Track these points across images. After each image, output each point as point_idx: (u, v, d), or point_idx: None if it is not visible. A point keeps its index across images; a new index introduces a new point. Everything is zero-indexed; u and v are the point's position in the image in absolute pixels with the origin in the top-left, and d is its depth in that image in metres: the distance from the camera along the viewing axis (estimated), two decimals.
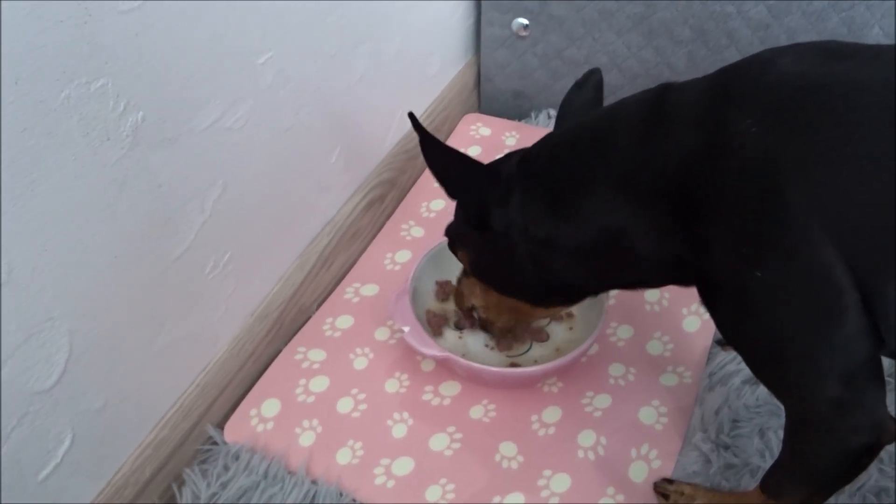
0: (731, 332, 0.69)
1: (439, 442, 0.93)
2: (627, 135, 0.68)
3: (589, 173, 0.71)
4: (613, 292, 1.08)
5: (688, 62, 1.28)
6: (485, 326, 0.99)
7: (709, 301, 0.69)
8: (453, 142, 1.39)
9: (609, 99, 1.42)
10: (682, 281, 0.74)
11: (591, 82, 0.86)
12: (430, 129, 1.35)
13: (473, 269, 0.89)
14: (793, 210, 0.57)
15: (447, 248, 1.06)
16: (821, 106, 0.58)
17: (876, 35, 1.13)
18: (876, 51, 0.61)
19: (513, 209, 0.76)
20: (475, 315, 0.98)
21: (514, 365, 0.99)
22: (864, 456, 0.63)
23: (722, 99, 0.63)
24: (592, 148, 0.71)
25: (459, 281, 0.96)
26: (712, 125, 0.62)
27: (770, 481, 0.74)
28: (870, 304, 0.58)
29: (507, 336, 1.00)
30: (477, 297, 0.93)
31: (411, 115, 0.79)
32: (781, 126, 0.59)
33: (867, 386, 0.60)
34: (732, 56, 1.24)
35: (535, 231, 0.76)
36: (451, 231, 0.90)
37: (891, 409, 0.86)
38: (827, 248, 0.57)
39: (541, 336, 1.03)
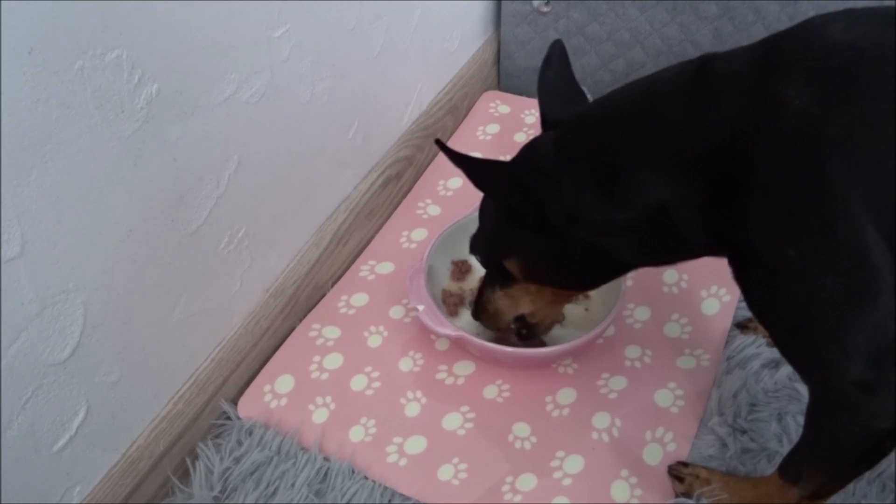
0: (761, 309, 0.67)
1: (452, 421, 0.93)
2: (668, 108, 0.66)
3: (632, 153, 0.69)
4: (631, 273, 1.06)
5: (713, 39, 1.25)
6: (532, 332, 0.93)
7: (740, 276, 0.67)
8: (472, 120, 1.38)
9: (631, 76, 1.39)
10: (720, 253, 0.72)
11: (556, 55, 0.83)
12: (448, 106, 1.35)
13: (530, 275, 0.83)
14: (834, 187, 0.55)
15: (462, 226, 1.06)
16: (871, 77, 0.56)
17: None
18: None
19: (567, 199, 0.72)
20: (516, 326, 0.93)
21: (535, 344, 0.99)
22: (886, 441, 0.62)
23: (769, 69, 0.60)
24: (634, 126, 0.69)
25: (491, 301, 0.90)
26: (758, 96, 0.60)
27: (788, 465, 0.73)
28: None
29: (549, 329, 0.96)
30: (527, 304, 0.88)
31: (439, 142, 0.72)
32: (828, 98, 0.56)
33: (893, 369, 0.58)
34: (759, 32, 1.21)
35: (591, 217, 0.72)
36: (489, 245, 0.85)
37: None
38: (867, 227, 0.55)
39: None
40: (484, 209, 0.86)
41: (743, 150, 0.60)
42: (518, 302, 0.88)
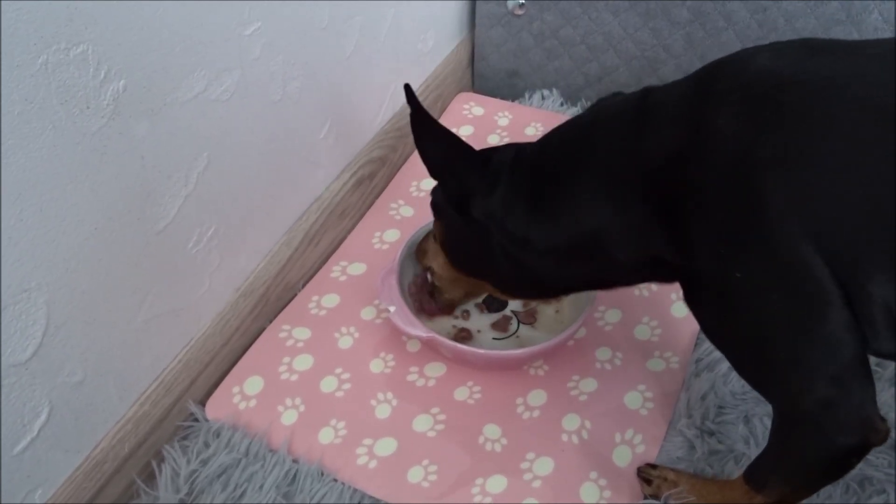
0: (714, 332, 0.69)
1: (423, 423, 0.93)
2: (610, 137, 0.69)
3: (571, 176, 0.71)
4: None
5: (685, 44, 1.26)
6: (431, 292, 0.99)
7: (692, 301, 0.69)
8: (446, 120, 1.37)
9: (604, 80, 1.40)
10: (662, 278, 0.74)
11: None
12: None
13: (444, 246, 0.89)
14: (770, 209, 0.57)
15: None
16: (796, 102, 0.58)
17: (875, 20, 1.12)
18: (853, 46, 0.60)
19: (495, 201, 0.76)
20: (428, 276, 0.99)
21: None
22: (851, 456, 0.62)
23: (701, 98, 0.63)
24: (576, 150, 0.72)
25: (426, 239, 0.97)
26: (692, 125, 0.62)
27: (754, 472, 0.73)
28: (850, 302, 0.57)
29: (450, 309, 1.01)
30: (438, 264, 0.93)
31: (407, 87, 0.78)
32: (757, 124, 0.59)
33: (854, 384, 0.59)
34: (730, 38, 1.22)
35: (513, 227, 0.76)
36: (435, 197, 0.88)
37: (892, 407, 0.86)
38: (803, 244, 0.57)
39: (529, 318, 1.02)
40: None
41: (681, 174, 0.63)
42: (434, 256, 0.93)
